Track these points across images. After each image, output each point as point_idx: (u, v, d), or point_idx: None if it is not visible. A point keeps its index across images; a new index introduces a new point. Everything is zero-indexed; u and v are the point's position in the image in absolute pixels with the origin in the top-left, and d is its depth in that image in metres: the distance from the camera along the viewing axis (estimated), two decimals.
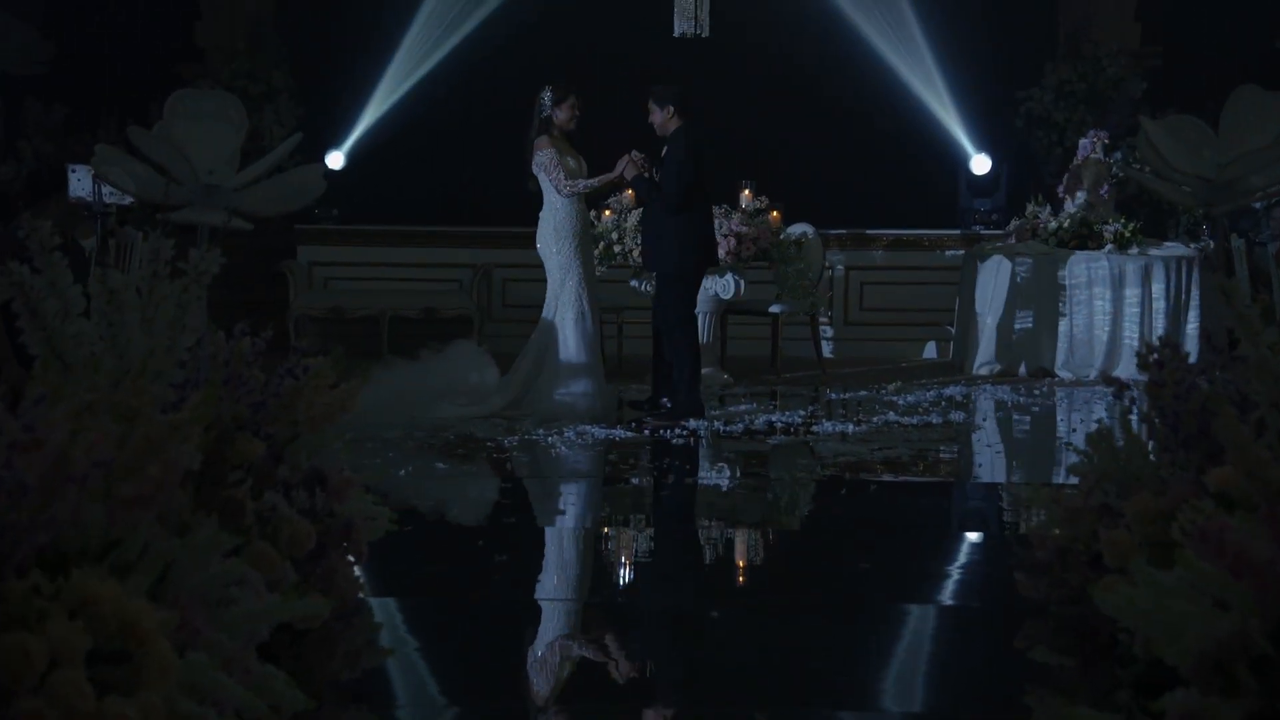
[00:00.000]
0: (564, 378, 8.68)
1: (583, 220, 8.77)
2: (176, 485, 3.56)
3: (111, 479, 3.36)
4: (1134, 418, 4.81)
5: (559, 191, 8.60)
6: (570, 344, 8.69)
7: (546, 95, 8.61)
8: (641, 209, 9.43)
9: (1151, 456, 4.62)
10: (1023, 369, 10.52)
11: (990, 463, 7.88)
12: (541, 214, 8.77)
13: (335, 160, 12.10)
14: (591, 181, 8.67)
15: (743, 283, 10.17)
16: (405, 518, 6.01)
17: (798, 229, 10.58)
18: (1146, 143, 7.22)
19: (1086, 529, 4.50)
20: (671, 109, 8.61)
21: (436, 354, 8.92)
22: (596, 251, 9.75)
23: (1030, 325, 10.56)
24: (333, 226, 11.97)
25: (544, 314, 8.83)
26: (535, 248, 8.87)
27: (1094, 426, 8.62)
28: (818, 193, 11.54)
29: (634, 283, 10.16)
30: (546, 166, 8.58)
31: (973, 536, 6.34)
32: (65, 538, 3.29)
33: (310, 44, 12.69)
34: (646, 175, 8.58)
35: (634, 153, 8.51)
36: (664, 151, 8.64)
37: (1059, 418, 9.18)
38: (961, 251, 11.47)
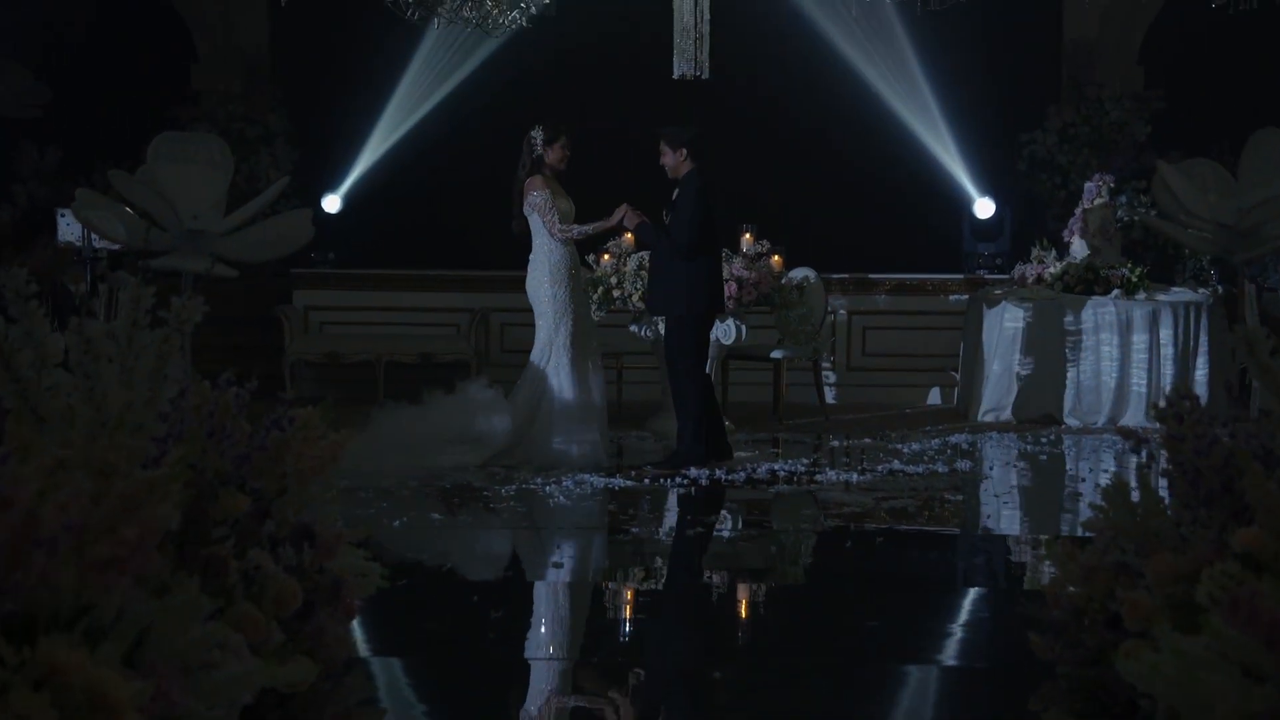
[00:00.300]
0: (561, 425, 8.49)
1: (575, 262, 8.61)
2: (154, 546, 3.39)
3: (84, 540, 3.20)
4: (1150, 470, 4.61)
5: (552, 235, 8.45)
6: (566, 391, 8.51)
7: (538, 135, 8.45)
8: (646, 253, 9.27)
9: (1169, 512, 4.44)
10: (1029, 416, 10.33)
11: (998, 513, 7.70)
12: (532, 257, 8.58)
13: (331, 204, 11.99)
14: (586, 228, 8.51)
15: (744, 328, 10.00)
16: (399, 571, 5.85)
17: (799, 273, 10.44)
18: (1162, 186, 7.08)
19: (1103, 588, 4.33)
20: (685, 152, 8.47)
21: (448, 396, 8.68)
22: (595, 295, 9.61)
23: (1036, 371, 10.38)
24: (328, 271, 11.82)
25: (533, 358, 8.61)
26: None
27: (1103, 476, 8.54)
28: (819, 236, 11.44)
29: (634, 328, 10.01)
30: (540, 208, 8.41)
31: (981, 592, 6.16)
32: (34, 602, 3.12)
33: (307, 87, 12.61)
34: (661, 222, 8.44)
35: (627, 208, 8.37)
36: (675, 195, 8.50)
37: (1067, 467, 9.01)
38: (965, 296, 11.35)
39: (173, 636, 3.42)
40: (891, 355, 11.67)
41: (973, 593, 6.14)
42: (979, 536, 7.18)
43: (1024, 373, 10.40)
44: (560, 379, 8.50)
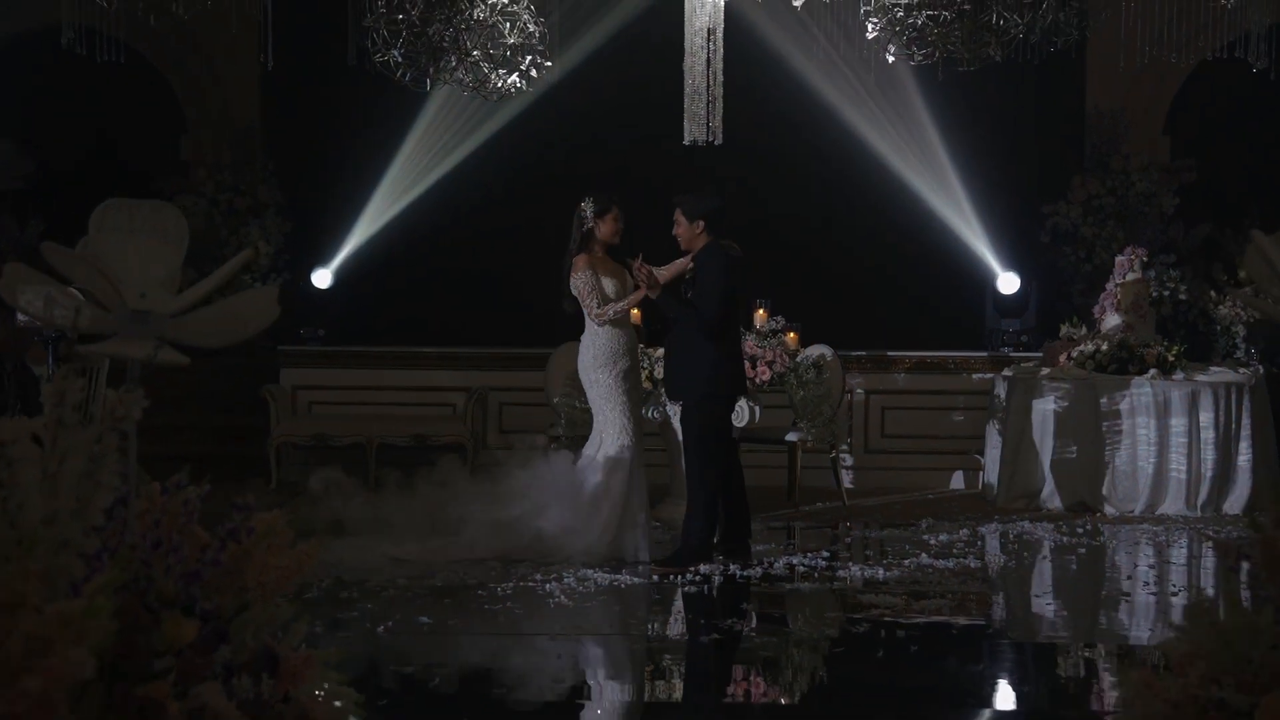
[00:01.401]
0: (606, 517, 7.86)
1: (628, 343, 8.03)
2: (64, 700, 2.77)
3: None
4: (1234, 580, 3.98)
5: (590, 318, 7.91)
6: (615, 482, 7.89)
7: (588, 208, 7.92)
8: (663, 331, 8.65)
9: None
10: (1061, 503, 9.73)
11: (1041, 616, 7.06)
12: (583, 338, 8.07)
13: (321, 278, 11.43)
14: (619, 306, 7.93)
15: (758, 409, 9.40)
16: (380, 691, 5.24)
17: (815, 351, 9.86)
18: (1258, 258, 6.46)
19: None
20: (701, 224, 7.89)
21: (526, 471, 8.08)
22: None
23: (1069, 456, 9.78)
24: (318, 348, 11.24)
25: (587, 449, 8.06)
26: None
27: (1147, 571, 7.91)
28: (835, 312, 10.90)
29: (654, 412, 9.35)
30: (581, 292, 7.89)
31: (1029, 711, 5.51)
32: None
33: (299, 158, 12.13)
34: (679, 287, 7.85)
35: (643, 264, 7.75)
36: (692, 270, 7.92)
37: (1108, 560, 8.37)
38: (990, 375, 10.75)
39: None
40: (912, 437, 11.07)
41: (1021, 713, 5.49)
42: (1024, 644, 6.52)
43: (1056, 457, 9.79)
44: (609, 469, 7.89)
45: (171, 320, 3.67)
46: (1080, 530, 9.03)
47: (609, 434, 7.95)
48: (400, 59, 7.26)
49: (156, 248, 3.65)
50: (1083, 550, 8.47)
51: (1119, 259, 10.41)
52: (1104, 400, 9.72)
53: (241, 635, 3.96)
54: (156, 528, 3.76)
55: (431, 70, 7.40)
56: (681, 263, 8.02)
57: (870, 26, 7.41)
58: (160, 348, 3.51)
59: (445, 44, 7.11)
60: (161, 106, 12.28)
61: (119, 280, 3.58)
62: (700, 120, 7.59)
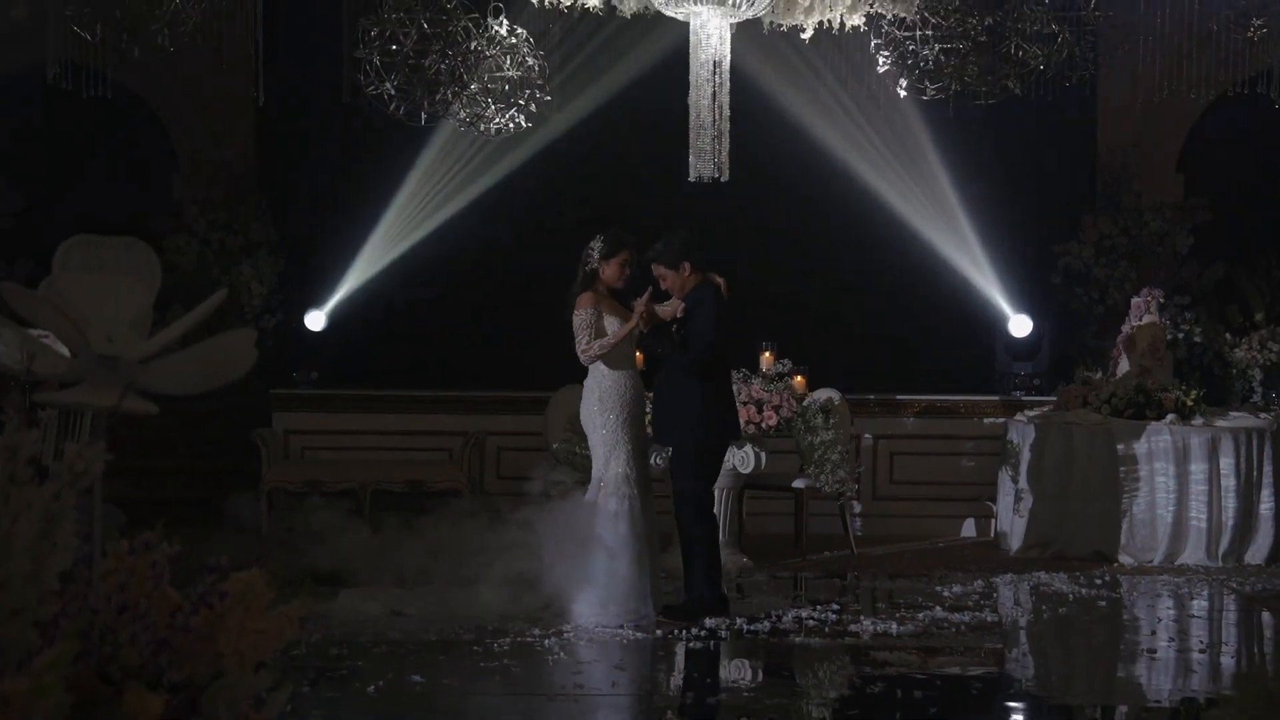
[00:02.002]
0: (609, 574, 7.49)
1: (634, 388, 7.69)
2: None
3: None
4: None
5: (579, 357, 7.60)
6: (617, 533, 7.52)
7: (596, 247, 7.60)
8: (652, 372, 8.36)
9: None
10: (1078, 553, 9.41)
11: (1065, 674, 6.75)
12: (586, 381, 7.73)
13: (316, 320, 11.13)
14: (606, 341, 7.60)
15: (764, 455, 9.10)
16: None
17: (823, 394, 9.55)
18: None
19: None
20: (687, 265, 7.61)
21: (533, 520, 7.70)
22: None
23: (1085, 503, 9.45)
24: (310, 391, 10.91)
25: (588, 496, 7.72)
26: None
27: (1170, 625, 7.59)
28: (843, 355, 10.55)
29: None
30: (575, 329, 7.57)
31: None
32: None
33: (293, 196, 11.84)
34: (670, 325, 7.55)
35: (647, 301, 7.46)
36: (683, 309, 7.62)
37: (1126, 613, 8.06)
38: (1002, 419, 10.37)
39: None
40: (921, 483, 10.76)
41: None
42: (1051, 706, 6.20)
43: (1071, 505, 9.48)
44: (608, 520, 7.54)
45: (141, 366, 3.38)
46: (1099, 581, 8.71)
47: (612, 482, 7.65)
48: (393, 92, 6.99)
49: (125, 288, 3.36)
50: (1102, 603, 8.16)
51: (1135, 300, 10.13)
52: (1121, 446, 9.42)
53: (214, 707, 3.64)
54: (122, 591, 3.46)
55: (426, 104, 7.12)
56: (669, 310, 7.73)
57: (881, 60, 7.15)
58: (126, 395, 3.21)
59: (441, 77, 6.84)
60: (153, 143, 12.00)
61: (84, 322, 3.29)
62: (707, 156, 7.31)
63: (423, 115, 7.46)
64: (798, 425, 9.20)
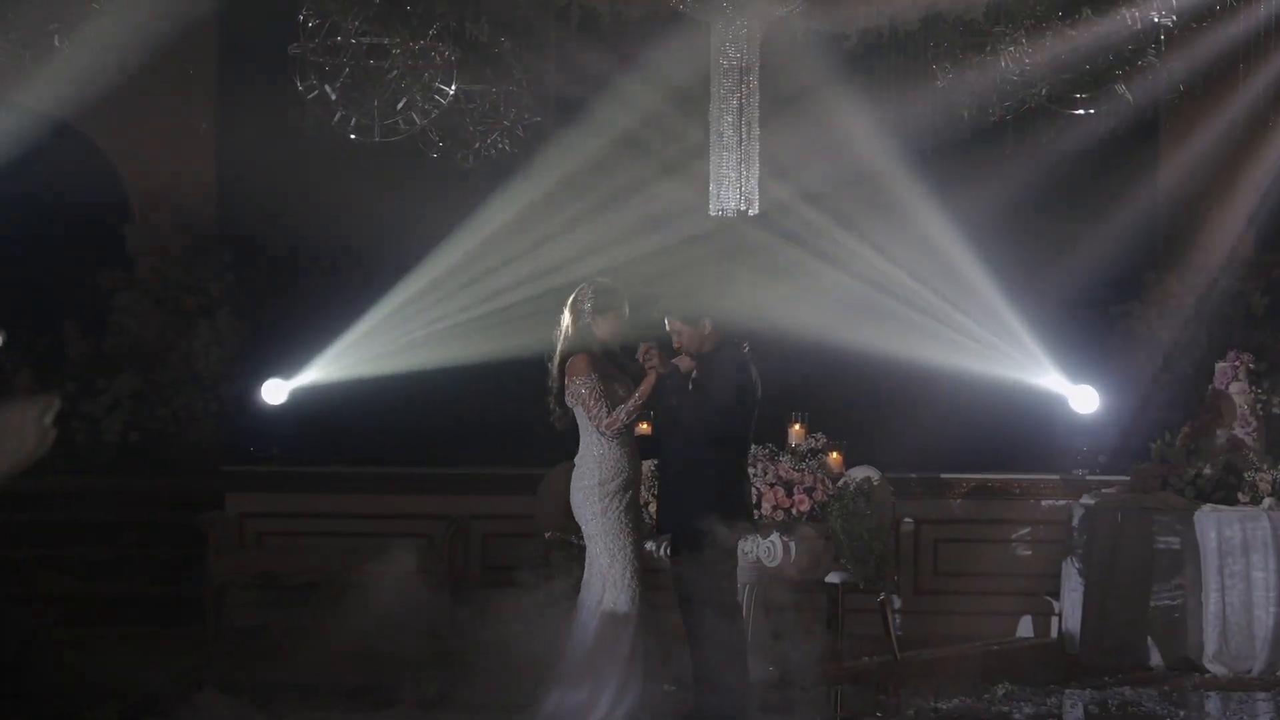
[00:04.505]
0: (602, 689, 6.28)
1: (635, 468, 6.47)
2: None
3: None
4: None
5: (600, 430, 6.30)
6: (620, 643, 6.30)
7: (586, 301, 6.42)
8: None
9: None
10: (1160, 660, 8.14)
11: None
12: (580, 459, 6.47)
13: (276, 391, 9.85)
14: (632, 405, 6.33)
15: (794, 545, 7.75)
16: None
17: (860, 473, 8.21)
18: None
19: None
20: (708, 322, 6.37)
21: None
22: None
23: (1168, 602, 8.19)
24: (269, 469, 9.70)
25: (582, 596, 6.45)
26: (564, 501, 6.63)
27: None
28: (880, 429, 9.21)
29: (650, 545, 7.67)
30: (585, 399, 6.32)
31: None
32: None
33: (257, 251, 10.65)
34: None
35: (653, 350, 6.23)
36: (698, 372, 6.34)
37: None
38: (1063, 501, 9.14)
39: None
40: (970, 575, 9.45)
41: None
42: None
43: (1152, 604, 8.21)
44: (618, 625, 6.31)
45: None
46: (1191, 698, 7.35)
47: (615, 579, 6.34)
48: (334, 97, 5.67)
49: None
50: None
51: (1220, 366, 8.88)
52: (1210, 535, 8.11)
53: None
54: None
55: (380, 117, 5.77)
56: (689, 360, 6.45)
57: (939, 74, 5.89)
58: None
59: (402, 84, 5.52)
60: (103, 189, 10.82)
61: None
62: (732, 184, 6.02)
63: (376, 131, 6.10)
64: (834, 510, 7.87)
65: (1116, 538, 8.28)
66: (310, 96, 5.91)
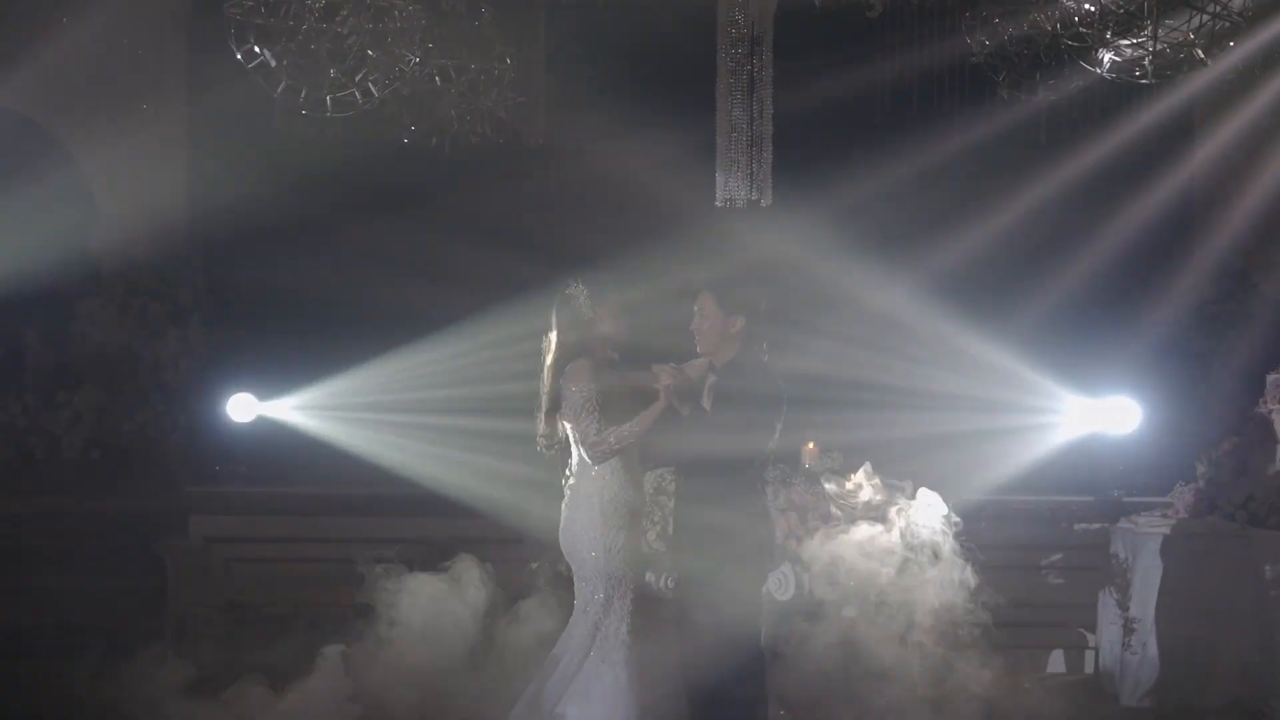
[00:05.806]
0: None
1: (638, 494, 5.80)
2: None
3: None
4: None
5: (584, 447, 5.64)
6: (611, 701, 5.61)
7: (580, 293, 5.72)
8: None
9: None
10: (1213, 701, 7.68)
11: None
12: (573, 486, 5.78)
13: (244, 406, 9.34)
14: (634, 428, 5.62)
15: (806, 577, 7.24)
16: None
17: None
18: None
19: None
20: (740, 321, 5.73)
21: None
22: None
23: (1220, 637, 7.71)
24: (238, 489, 9.19)
25: (568, 637, 5.81)
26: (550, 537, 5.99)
27: None
28: (899, 447, 8.79)
29: (649, 576, 7.03)
30: (578, 410, 5.62)
31: None
32: None
33: (229, 254, 10.06)
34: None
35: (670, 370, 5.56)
36: (715, 379, 5.67)
37: None
38: (1099, 525, 8.69)
39: None
40: (995, 605, 8.78)
41: None
42: None
43: (1202, 639, 7.72)
44: (606, 684, 5.65)
45: None
46: None
47: (615, 622, 5.66)
48: (273, 64, 4.96)
49: None
50: None
51: (1271, 377, 8.38)
52: (1266, 565, 7.63)
53: None
54: None
55: (329, 80, 5.06)
56: (703, 364, 5.76)
57: (974, 45, 5.23)
58: None
59: (356, 48, 4.84)
60: (67, 189, 10.30)
61: None
62: (741, 169, 5.36)
63: (326, 102, 5.40)
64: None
65: (1159, 566, 7.75)
66: (251, 65, 5.24)
